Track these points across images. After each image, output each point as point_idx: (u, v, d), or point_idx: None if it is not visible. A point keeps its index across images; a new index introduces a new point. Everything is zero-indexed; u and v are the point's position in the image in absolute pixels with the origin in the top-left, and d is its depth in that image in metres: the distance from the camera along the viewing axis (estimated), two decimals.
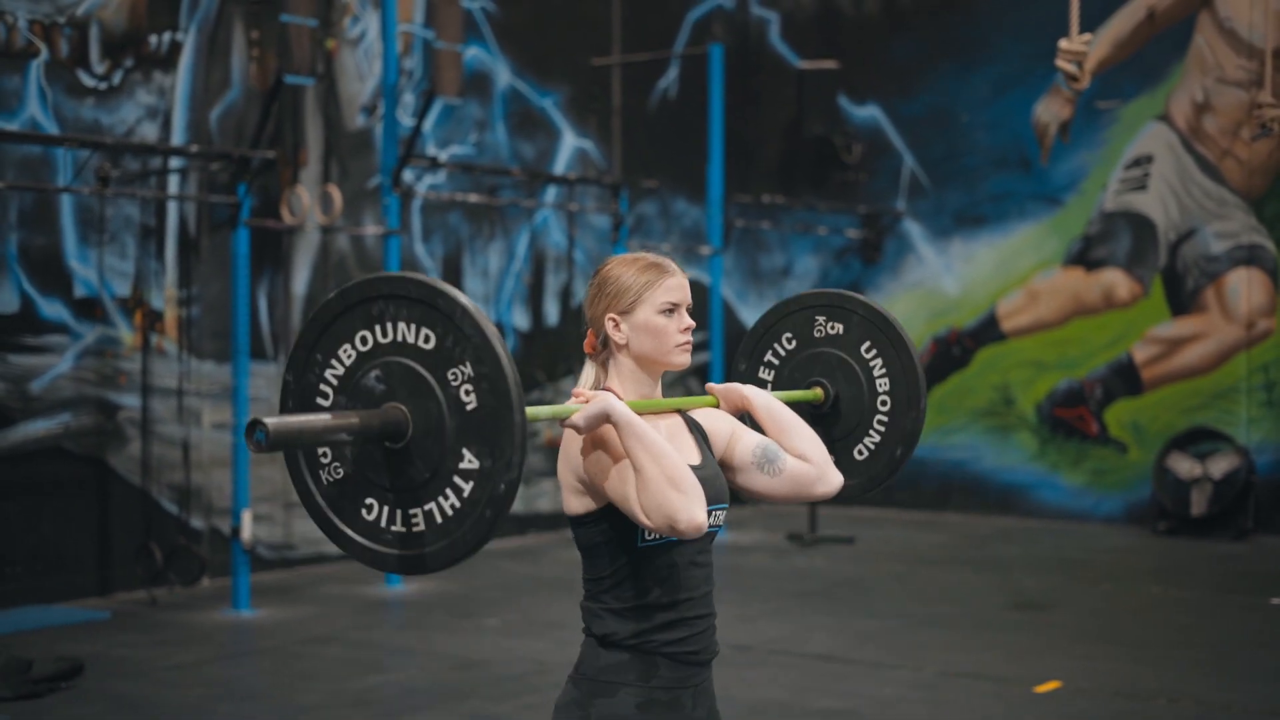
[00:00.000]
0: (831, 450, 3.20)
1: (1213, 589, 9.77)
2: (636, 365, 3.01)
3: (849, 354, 3.54)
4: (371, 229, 10.41)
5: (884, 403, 3.51)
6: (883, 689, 7.04)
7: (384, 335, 2.53)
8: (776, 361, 3.61)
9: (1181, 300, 12.43)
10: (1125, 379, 12.70)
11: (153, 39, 9.62)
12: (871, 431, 3.53)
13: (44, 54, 9.03)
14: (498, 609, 9.01)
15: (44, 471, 9.08)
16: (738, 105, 13.75)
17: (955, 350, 13.54)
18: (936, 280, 13.69)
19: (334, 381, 2.58)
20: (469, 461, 2.47)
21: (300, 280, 10.54)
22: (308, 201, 9.88)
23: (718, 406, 3.19)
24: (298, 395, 2.61)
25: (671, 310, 2.99)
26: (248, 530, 8.92)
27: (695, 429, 3.09)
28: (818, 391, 3.53)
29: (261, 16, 10.03)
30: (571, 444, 2.90)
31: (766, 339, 3.63)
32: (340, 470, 2.60)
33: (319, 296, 10.57)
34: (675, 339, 2.99)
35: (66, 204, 9.19)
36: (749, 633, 8.22)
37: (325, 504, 2.63)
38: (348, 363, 2.56)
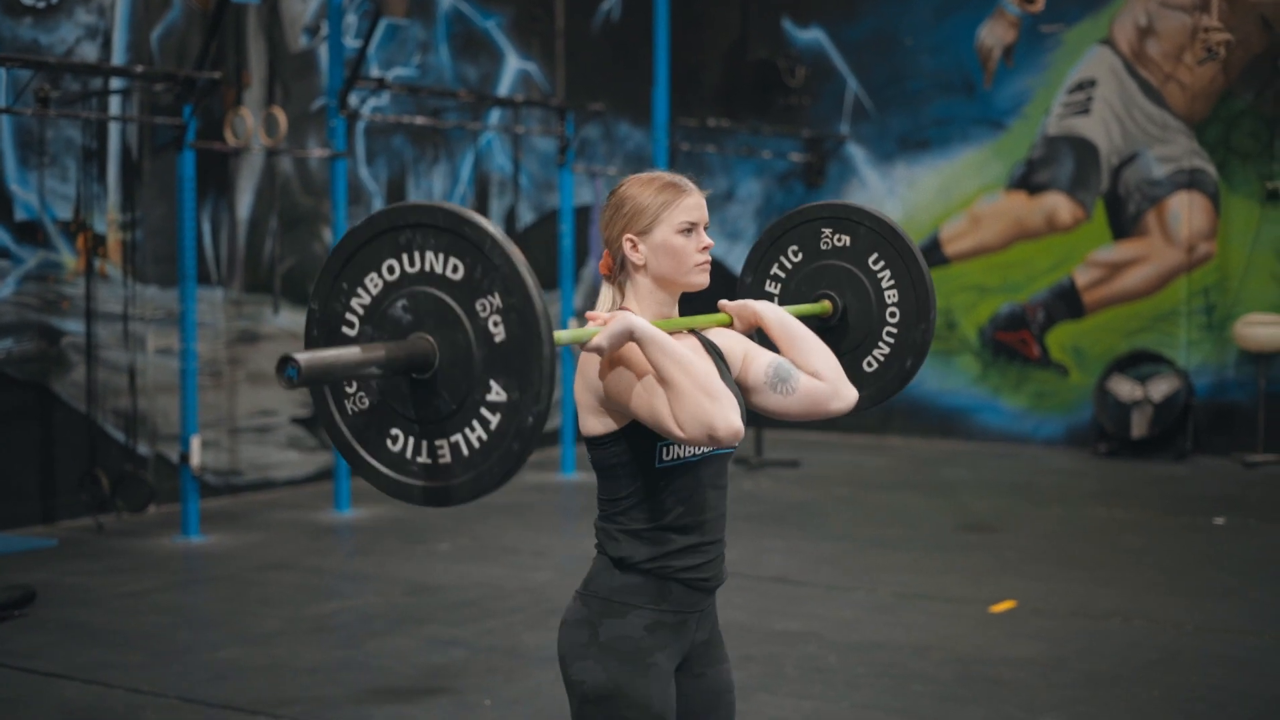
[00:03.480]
0: (840, 362, 3.16)
1: (1157, 510, 9.90)
2: (655, 285, 2.99)
3: (856, 266, 3.51)
4: (317, 151, 10.27)
5: (893, 314, 3.49)
6: (841, 610, 7.08)
7: (411, 264, 2.49)
8: (783, 274, 3.57)
9: (1123, 224, 12.51)
10: (1067, 302, 12.79)
11: None
12: (880, 344, 3.50)
13: None
14: (449, 535, 8.97)
15: None
16: (681, 28, 13.63)
17: None
18: (879, 204, 13.68)
19: (360, 310, 2.55)
20: (496, 394, 2.45)
21: (244, 204, 10.39)
22: (252, 124, 9.72)
23: (730, 324, 3.15)
24: (323, 324, 2.58)
25: (690, 230, 2.97)
26: (196, 456, 8.84)
27: (711, 349, 3.06)
28: (826, 304, 3.49)
29: None
30: (589, 365, 2.88)
31: (772, 252, 3.59)
32: (366, 400, 2.58)
33: (263, 220, 10.43)
34: (694, 259, 2.97)
35: (6, 126, 8.99)
36: None
37: (350, 435, 2.61)
38: (374, 292, 2.53)
